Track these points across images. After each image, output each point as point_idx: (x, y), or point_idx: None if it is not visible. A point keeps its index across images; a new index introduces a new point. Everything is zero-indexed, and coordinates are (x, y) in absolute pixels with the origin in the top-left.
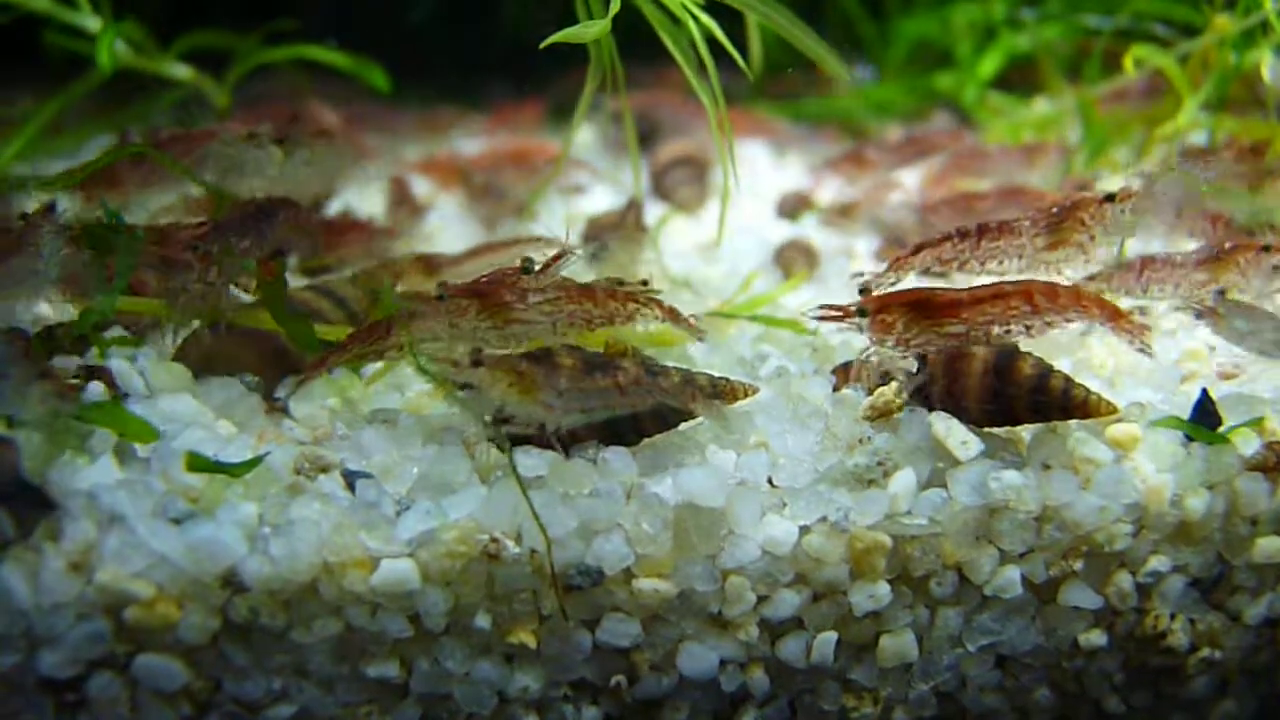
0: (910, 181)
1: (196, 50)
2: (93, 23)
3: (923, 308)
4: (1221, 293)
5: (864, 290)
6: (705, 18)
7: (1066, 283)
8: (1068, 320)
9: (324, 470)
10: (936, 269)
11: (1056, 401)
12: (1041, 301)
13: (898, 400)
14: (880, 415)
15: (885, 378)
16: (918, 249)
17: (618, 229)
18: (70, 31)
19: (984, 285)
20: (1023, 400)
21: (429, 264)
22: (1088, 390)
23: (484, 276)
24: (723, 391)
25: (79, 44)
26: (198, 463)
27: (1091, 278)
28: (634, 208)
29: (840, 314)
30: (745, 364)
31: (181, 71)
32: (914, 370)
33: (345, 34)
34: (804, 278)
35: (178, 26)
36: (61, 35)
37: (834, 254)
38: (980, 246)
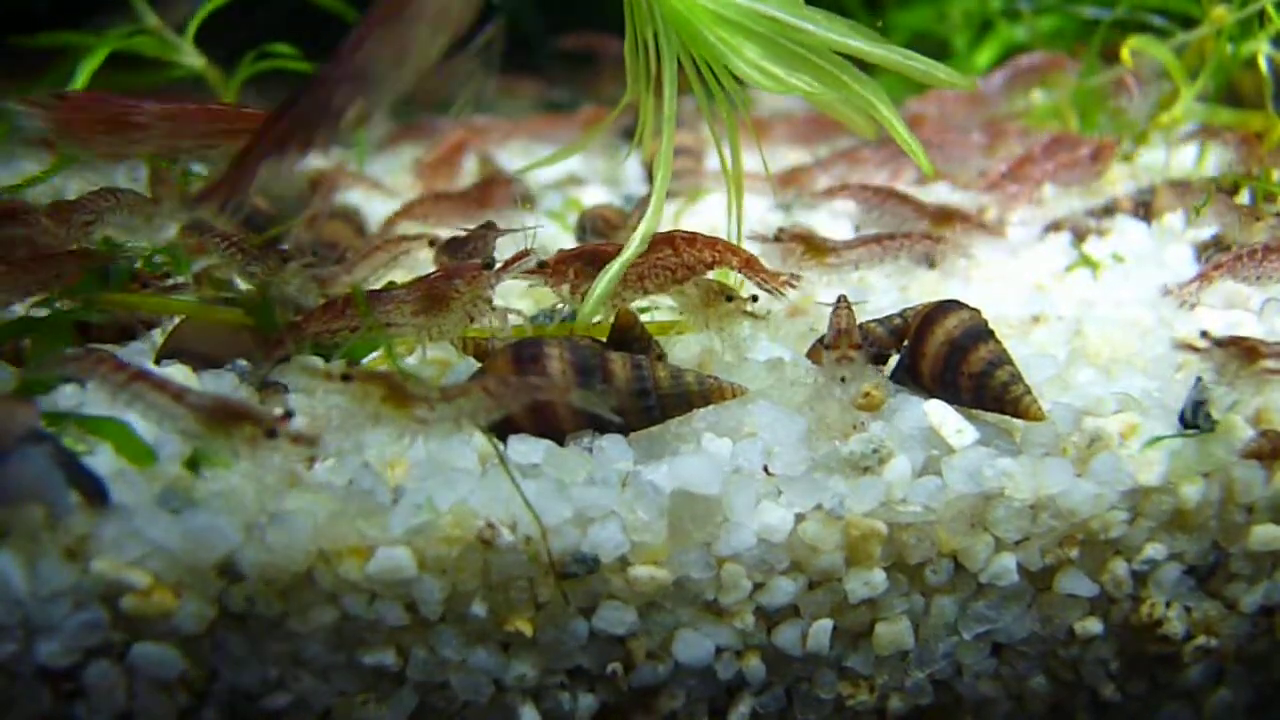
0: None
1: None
2: None
3: (592, 258)
4: None
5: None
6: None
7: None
8: (706, 265)
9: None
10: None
11: (994, 393)
12: (681, 245)
13: (879, 393)
14: (869, 404)
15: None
16: (1217, 267)
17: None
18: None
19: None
20: (967, 382)
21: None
22: (1026, 391)
23: (444, 270)
24: (710, 391)
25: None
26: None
27: (1216, 266)
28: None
29: (514, 262)
30: (736, 350)
31: (193, 59)
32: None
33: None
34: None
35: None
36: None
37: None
38: (1263, 265)
